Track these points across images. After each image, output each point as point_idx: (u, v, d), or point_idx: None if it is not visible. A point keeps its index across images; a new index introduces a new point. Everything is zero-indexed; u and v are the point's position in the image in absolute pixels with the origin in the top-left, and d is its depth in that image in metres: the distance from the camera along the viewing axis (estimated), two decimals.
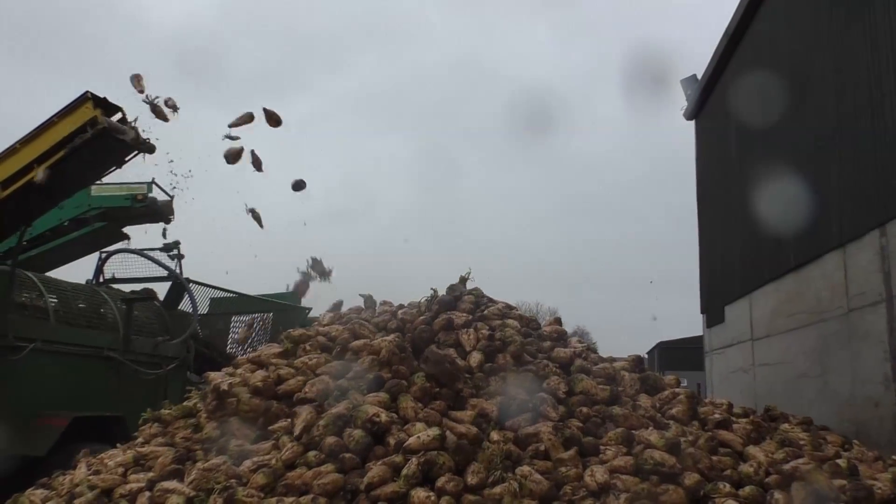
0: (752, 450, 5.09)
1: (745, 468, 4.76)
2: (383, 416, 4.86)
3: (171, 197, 10.56)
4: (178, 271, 10.28)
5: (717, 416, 5.55)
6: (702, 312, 13.21)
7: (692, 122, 13.72)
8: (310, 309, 11.25)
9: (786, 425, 5.93)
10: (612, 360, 6.13)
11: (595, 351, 6.25)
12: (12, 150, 6.38)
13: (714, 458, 4.83)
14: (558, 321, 6.62)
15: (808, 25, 8.93)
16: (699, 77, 13.00)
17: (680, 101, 13.77)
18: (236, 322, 11.57)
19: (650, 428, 5.13)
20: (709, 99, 12.72)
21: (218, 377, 5.78)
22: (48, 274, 9.01)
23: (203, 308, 10.90)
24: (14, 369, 7.05)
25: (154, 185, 10.29)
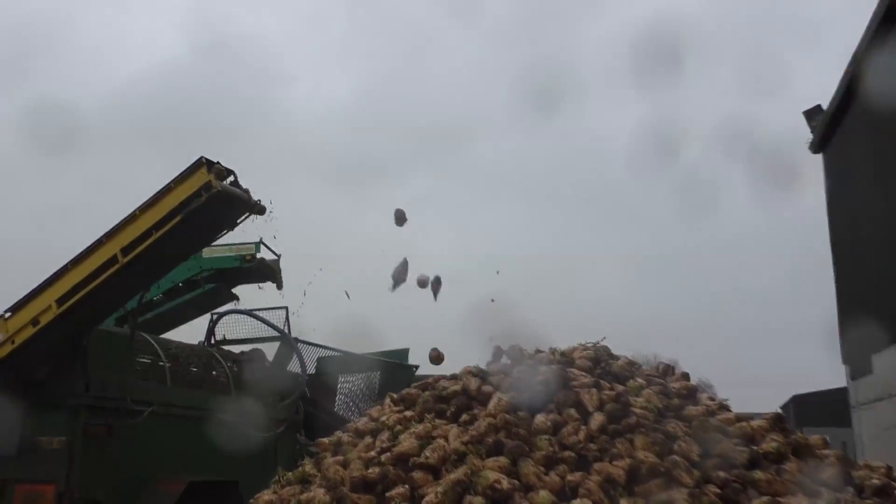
0: None
1: None
2: (504, 483, 4.60)
3: (278, 256, 10.74)
4: (286, 331, 10.35)
5: (874, 481, 5.03)
6: (844, 363, 12.17)
7: (818, 156, 12.87)
8: (417, 366, 11.09)
9: None
10: (749, 417, 5.66)
11: (728, 408, 5.79)
12: (132, 218, 6.53)
13: None
14: (686, 376, 6.20)
15: None
16: (824, 107, 12.24)
17: (804, 134, 12.94)
18: (343, 381, 11.50)
19: (798, 495, 4.69)
20: (837, 129, 11.93)
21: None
22: (163, 336, 9.21)
23: (310, 367, 10.91)
24: (133, 433, 7.13)
25: (262, 245, 10.49)
